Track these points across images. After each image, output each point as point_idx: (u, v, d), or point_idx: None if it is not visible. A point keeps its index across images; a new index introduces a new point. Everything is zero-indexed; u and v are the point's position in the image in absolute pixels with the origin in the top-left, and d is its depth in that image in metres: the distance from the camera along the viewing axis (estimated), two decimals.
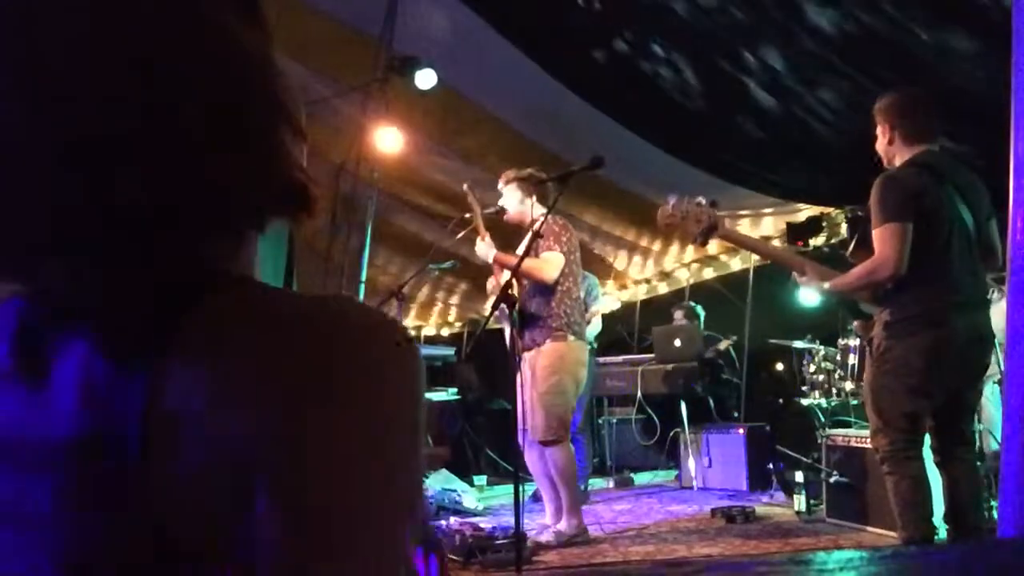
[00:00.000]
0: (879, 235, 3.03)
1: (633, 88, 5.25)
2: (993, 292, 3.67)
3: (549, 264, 4.14)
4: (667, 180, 6.40)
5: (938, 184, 3.08)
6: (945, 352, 3.01)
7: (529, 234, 3.90)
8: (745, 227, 7.42)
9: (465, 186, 4.43)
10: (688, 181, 6.46)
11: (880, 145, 3.23)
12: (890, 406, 3.07)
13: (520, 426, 4.19)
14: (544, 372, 4.15)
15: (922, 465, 3.07)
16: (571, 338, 4.20)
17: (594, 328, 5.82)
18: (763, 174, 5.92)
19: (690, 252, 8.31)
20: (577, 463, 4.31)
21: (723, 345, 6.85)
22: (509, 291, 3.73)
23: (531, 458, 4.34)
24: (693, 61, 4.88)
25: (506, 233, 4.51)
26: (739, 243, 3.75)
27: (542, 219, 3.85)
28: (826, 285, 3.18)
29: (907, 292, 3.02)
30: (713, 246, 8.08)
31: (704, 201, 3.33)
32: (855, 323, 3.34)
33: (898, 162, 3.16)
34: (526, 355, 4.23)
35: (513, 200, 4.34)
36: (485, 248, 4.28)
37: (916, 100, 3.21)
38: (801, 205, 6.89)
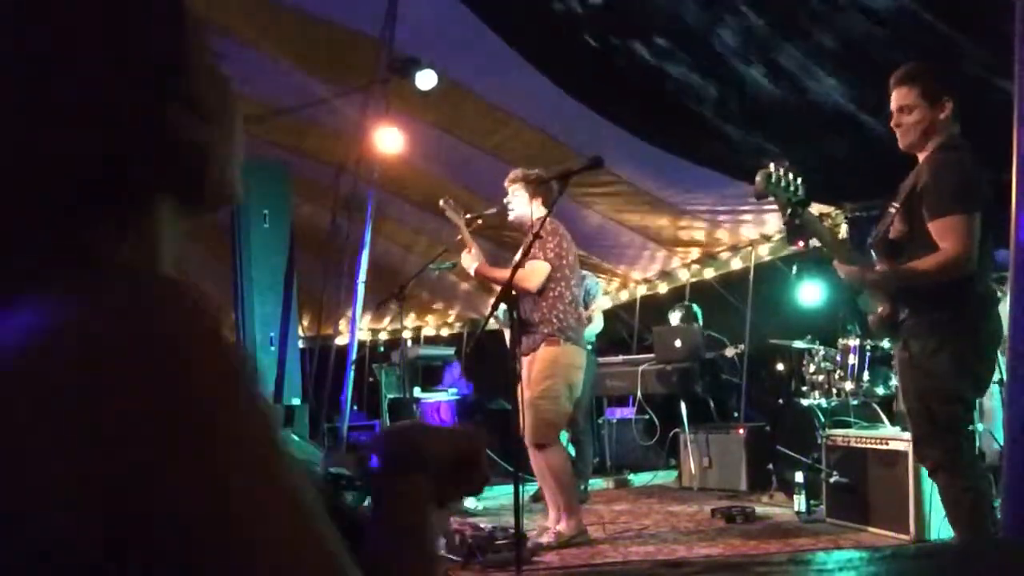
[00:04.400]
0: (951, 225, 2.74)
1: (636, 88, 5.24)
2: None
3: (531, 273, 4.12)
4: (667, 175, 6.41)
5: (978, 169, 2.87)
6: (992, 349, 2.88)
7: (528, 237, 3.89)
8: (748, 226, 7.41)
9: (441, 202, 4.43)
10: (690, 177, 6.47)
11: (920, 117, 2.87)
12: (942, 409, 2.82)
13: (522, 427, 4.19)
14: (537, 376, 4.16)
15: (978, 469, 2.88)
16: (565, 343, 4.20)
17: (596, 325, 5.80)
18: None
19: (693, 252, 8.28)
20: (579, 464, 4.30)
21: (730, 352, 6.82)
22: (509, 291, 3.72)
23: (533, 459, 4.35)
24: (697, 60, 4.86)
25: (501, 231, 4.52)
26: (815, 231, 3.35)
27: (540, 222, 3.82)
28: (897, 271, 2.88)
29: (960, 288, 2.79)
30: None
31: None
32: (871, 320, 3.16)
33: (932, 142, 2.88)
34: (524, 360, 4.24)
35: (521, 201, 4.32)
36: (469, 260, 4.33)
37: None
38: None
